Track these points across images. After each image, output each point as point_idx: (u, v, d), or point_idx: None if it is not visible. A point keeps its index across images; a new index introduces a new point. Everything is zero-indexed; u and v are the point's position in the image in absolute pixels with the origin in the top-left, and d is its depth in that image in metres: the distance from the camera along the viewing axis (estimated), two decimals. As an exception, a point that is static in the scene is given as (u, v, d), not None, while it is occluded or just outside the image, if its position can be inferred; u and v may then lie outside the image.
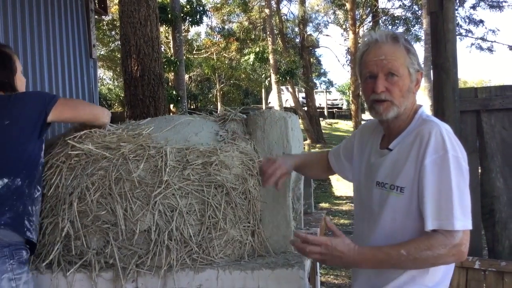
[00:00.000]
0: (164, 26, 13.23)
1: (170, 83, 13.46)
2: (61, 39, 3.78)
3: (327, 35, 42.30)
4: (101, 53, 20.56)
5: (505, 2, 16.80)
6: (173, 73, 13.06)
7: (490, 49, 17.12)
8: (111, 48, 20.88)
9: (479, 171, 2.95)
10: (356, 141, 1.78)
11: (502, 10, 16.89)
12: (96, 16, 5.01)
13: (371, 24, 18.76)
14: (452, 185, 1.37)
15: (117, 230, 1.94)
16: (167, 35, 16.61)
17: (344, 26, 21.19)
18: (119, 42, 9.57)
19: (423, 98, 12.59)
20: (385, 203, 1.50)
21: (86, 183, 2.00)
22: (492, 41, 17.19)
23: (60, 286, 1.93)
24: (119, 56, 16.14)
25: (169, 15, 12.17)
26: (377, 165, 1.57)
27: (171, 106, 12.45)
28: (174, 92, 11.99)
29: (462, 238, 1.36)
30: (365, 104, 1.64)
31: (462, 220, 1.35)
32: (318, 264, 3.13)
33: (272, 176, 1.82)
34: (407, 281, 1.47)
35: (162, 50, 11.51)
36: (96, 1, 5.02)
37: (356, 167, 1.74)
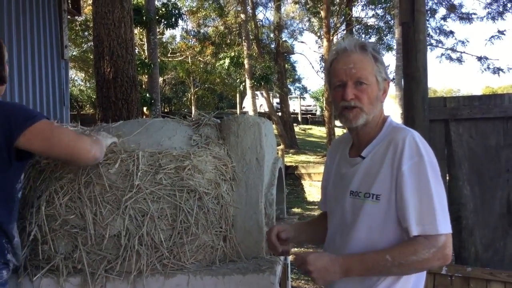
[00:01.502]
0: (138, 28, 13.11)
1: (143, 86, 13.35)
2: (32, 39, 3.70)
3: (302, 42, 42.71)
4: (73, 53, 20.22)
5: (475, 14, 17.28)
6: (147, 76, 12.95)
7: (459, 60, 17.49)
8: (84, 49, 20.56)
9: (447, 178, 3.02)
10: (327, 163, 1.78)
11: (471, 22, 17.32)
12: (69, 17, 4.92)
13: (345, 32, 19.00)
14: (432, 190, 1.39)
15: (86, 234, 1.90)
16: (141, 37, 16.46)
17: (318, 34, 21.40)
18: (92, 43, 9.43)
19: (394, 107, 12.76)
20: (360, 212, 1.49)
21: (54, 186, 1.96)
22: (461, 52, 17.59)
23: (26, 292, 1.88)
24: (91, 57, 15.92)
25: (144, 17, 12.08)
26: (350, 175, 1.56)
27: (145, 109, 12.34)
28: (147, 95, 11.89)
29: (445, 241, 1.37)
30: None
31: (444, 224, 1.37)
32: (289, 269, 3.14)
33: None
34: None
35: (136, 52, 11.38)
36: (69, 1, 4.94)
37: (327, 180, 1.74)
